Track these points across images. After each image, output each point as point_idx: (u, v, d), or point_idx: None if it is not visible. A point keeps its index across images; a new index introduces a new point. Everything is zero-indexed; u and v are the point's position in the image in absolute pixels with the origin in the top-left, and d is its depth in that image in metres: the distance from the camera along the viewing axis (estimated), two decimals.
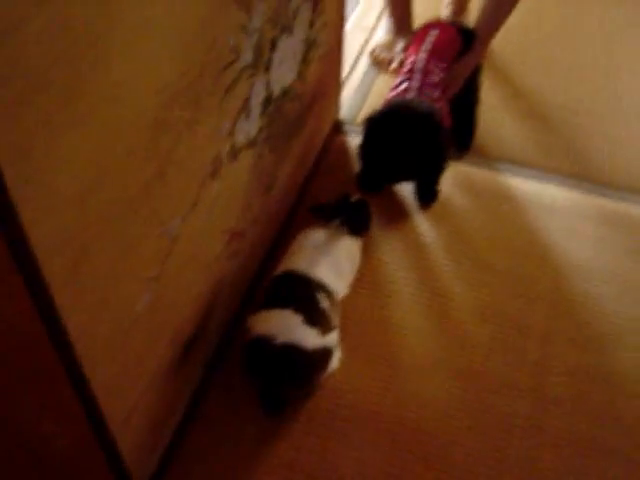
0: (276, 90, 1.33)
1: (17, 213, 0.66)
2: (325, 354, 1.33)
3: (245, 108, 1.19)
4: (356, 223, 1.56)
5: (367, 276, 1.60)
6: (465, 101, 1.90)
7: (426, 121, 1.64)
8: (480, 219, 1.78)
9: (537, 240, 1.74)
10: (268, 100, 1.31)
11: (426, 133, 1.64)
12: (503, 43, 2.19)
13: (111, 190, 0.82)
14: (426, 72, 1.73)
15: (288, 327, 1.28)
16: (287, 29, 1.30)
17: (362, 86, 2.11)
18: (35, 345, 0.77)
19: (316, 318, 1.32)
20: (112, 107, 0.77)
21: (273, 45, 1.24)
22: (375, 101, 2.04)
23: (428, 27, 1.83)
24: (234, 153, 1.20)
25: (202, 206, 1.12)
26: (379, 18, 2.36)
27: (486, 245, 1.72)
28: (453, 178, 1.85)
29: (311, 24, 1.44)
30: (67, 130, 0.70)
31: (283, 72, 1.35)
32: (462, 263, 1.68)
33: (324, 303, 1.36)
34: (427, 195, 1.80)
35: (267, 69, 1.25)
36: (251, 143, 1.27)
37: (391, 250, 1.69)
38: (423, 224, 1.76)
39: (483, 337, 1.54)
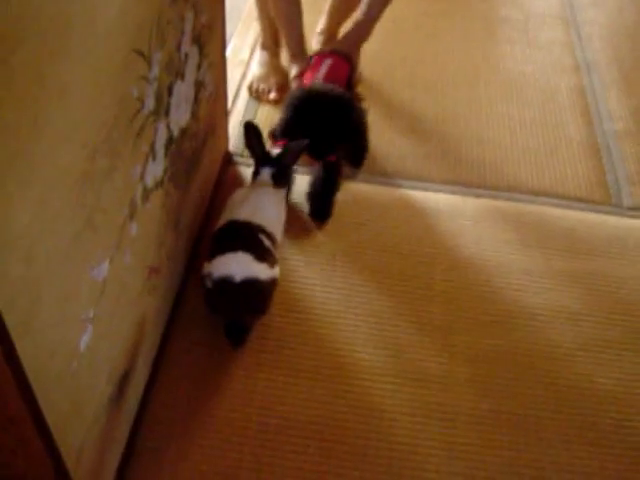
0: (175, 131, 1.42)
1: None
2: (274, 283, 1.59)
3: (152, 151, 1.27)
4: (279, 177, 1.75)
5: (277, 297, 1.70)
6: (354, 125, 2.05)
7: (343, 97, 1.83)
8: (373, 230, 1.92)
9: (426, 243, 1.90)
10: (170, 141, 1.39)
11: (344, 107, 1.82)
12: (371, 67, 2.38)
13: (49, 243, 0.89)
14: None
15: (243, 266, 1.51)
16: (180, 74, 1.39)
17: (245, 118, 2.22)
18: (5, 390, 0.83)
19: (263, 255, 1.55)
20: (47, 168, 0.84)
21: (170, 91, 1.33)
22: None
23: (322, 56, 1.99)
24: (146, 195, 1.28)
25: (125, 247, 1.19)
26: (252, 52, 2.49)
27: (381, 253, 1.86)
28: (344, 196, 1.99)
29: (199, 67, 1.54)
30: (14, 192, 0.77)
31: (179, 114, 1.44)
32: (362, 272, 1.81)
33: (266, 242, 1.59)
34: (321, 212, 1.93)
35: (167, 113, 1.33)
36: (158, 184, 1.35)
37: (294, 269, 1.80)
38: (322, 240, 1.88)
39: (392, 337, 1.67)
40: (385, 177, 2.09)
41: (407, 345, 1.65)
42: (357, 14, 2.12)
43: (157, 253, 1.42)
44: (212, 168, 1.90)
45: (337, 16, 2.43)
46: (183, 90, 1.43)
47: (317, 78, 1.90)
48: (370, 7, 2.08)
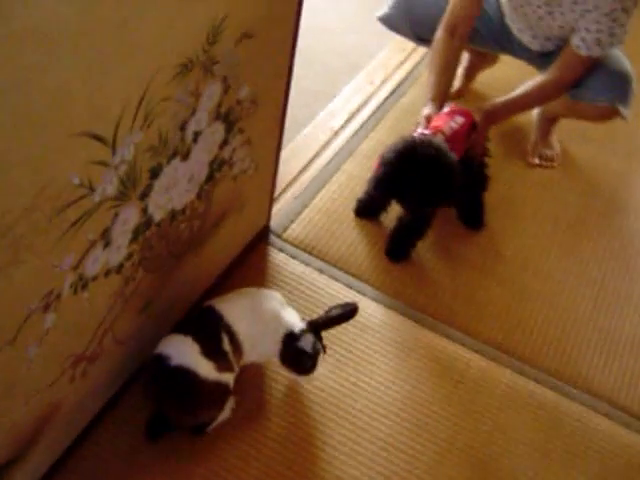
0: (157, 214, 1.22)
1: None
2: (219, 390, 1.37)
3: (103, 238, 1.08)
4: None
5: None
6: (473, 187, 1.99)
7: (445, 155, 1.69)
8: (386, 382, 1.64)
9: (437, 410, 1.61)
10: (147, 224, 1.20)
11: (444, 165, 1.68)
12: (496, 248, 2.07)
13: None
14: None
15: (184, 352, 1.33)
16: (180, 154, 1.19)
17: (303, 198, 1.99)
18: None
19: (214, 353, 1.35)
20: None
21: (155, 173, 1.14)
22: (310, 215, 1.93)
23: (455, 111, 1.87)
24: (83, 284, 1.09)
25: (28, 339, 1.01)
26: (348, 121, 2.27)
27: (385, 419, 1.60)
28: (376, 327, 1.74)
29: (223, 144, 1.34)
30: None
31: (172, 196, 1.24)
32: (358, 437, 1.56)
33: (226, 346, 1.38)
34: (397, 252, 1.91)
35: (143, 196, 1.14)
36: (113, 270, 1.16)
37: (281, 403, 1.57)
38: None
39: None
40: (434, 318, 1.80)
41: None
42: (514, 92, 2.05)
43: (94, 341, 1.23)
44: (232, 245, 1.70)
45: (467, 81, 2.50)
46: (183, 170, 1.24)
47: (447, 129, 1.81)
48: (528, 94, 2.04)
